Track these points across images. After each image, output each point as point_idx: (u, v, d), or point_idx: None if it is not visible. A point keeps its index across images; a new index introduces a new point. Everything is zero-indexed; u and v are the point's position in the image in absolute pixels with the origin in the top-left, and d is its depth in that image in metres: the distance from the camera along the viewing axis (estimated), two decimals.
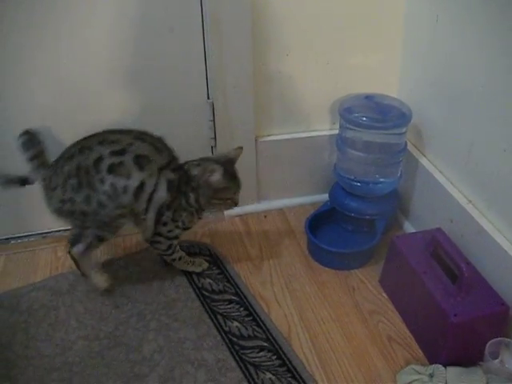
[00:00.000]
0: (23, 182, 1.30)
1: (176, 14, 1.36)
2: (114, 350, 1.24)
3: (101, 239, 1.32)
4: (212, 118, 1.52)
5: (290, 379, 1.16)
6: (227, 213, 1.68)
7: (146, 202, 1.25)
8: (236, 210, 1.68)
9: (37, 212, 1.55)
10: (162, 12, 1.35)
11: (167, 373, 1.18)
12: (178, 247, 1.39)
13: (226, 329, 1.28)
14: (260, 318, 1.31)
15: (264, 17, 1.40)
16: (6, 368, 1.19)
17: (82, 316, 1.33)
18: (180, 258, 1.40)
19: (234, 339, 1.26)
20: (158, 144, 1.28)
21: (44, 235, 1.59)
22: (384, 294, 1.39)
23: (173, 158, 1.30)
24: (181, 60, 1.43)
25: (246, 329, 1.28)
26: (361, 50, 1.53)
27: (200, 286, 1.41)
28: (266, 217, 1.69)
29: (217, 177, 1.27)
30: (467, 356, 1.16)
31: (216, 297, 1.38)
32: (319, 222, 1.56)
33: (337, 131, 1.54)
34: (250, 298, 1.37)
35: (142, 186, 1.23)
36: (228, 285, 1.41)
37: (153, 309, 1.34)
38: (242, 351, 1.23)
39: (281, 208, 1.72)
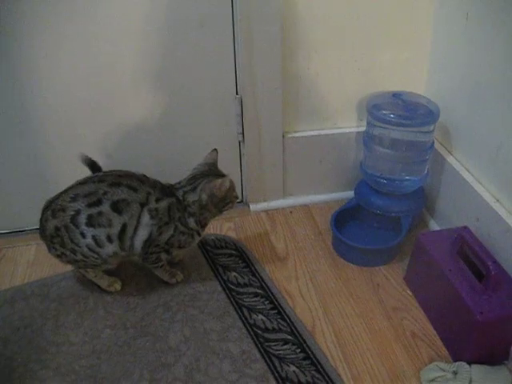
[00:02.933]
0: (96, 168, 1.36)
1: (207, 10, 1.37)
2: (141, 340, 1.26)
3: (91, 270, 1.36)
4: (240, 114, 1.53)
5: (313, 372, 1.17)
6: (253, 208, 1.69)
7: (129, 239, 1.26)
8: (262, 205, 1.70)
9: None
10: (192, 7, 1.36)
11: (192, 363, 1.20)
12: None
13: (251, 321, 1.30)
14: (285, 312, 1.32)
15: (294, 14, 1.41)
16: (37, 353, 1.23)
17: (109, 306, 1.35)
18: (161, 266, 1.38)
19: (259, 332, 1.27)
20: (134, 182, 1.26)
21: None
22: (408, 291, 1.39)
23: (154, 189, 1.28)
24: (210, 55, 1.44)
25: (271, 322, 1.30)
26: (389, 48, 1.53)
27: (226, 278, 1.43)
28: (291, 212, 1.70)
29: (227, 186, 1.28)
30: (492, 355, 1.16)
31: (241, 290, 1.39)
32: (344, 219, 1.56)
33: (363, 128, 1.55)
34: (275, 291, 1.38)
35: (124, 228, 1.24)
36: (253, 278, 1.43)
37: (179, 300, 1.36)
38: (266, 344, 1.24)
39: (306, 204, 1.73)
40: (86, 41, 1.36)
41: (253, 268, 1.47)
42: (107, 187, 1.23)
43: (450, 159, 1.47)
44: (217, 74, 1.48)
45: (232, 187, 1.32)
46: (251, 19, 1.37)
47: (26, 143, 1.47)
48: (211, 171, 1.33)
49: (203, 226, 1.34)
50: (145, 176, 1.30)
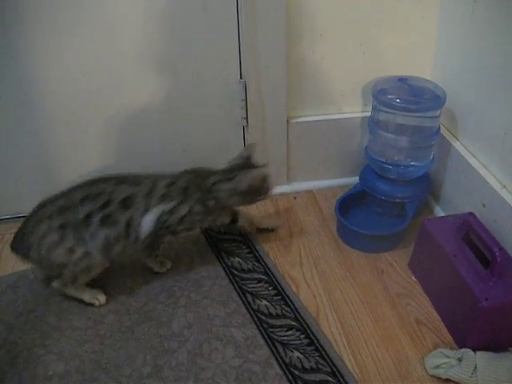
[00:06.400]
0: None
1: None
2: (144, 325, 1.26)
3: (74, 282, 1.29)
4: (244, 98, 1.52)
5: (317, 358, 1.17)
6: None
7: (134, 232, 1.26)
8: None
9: None
10: None
11: (196, 348, 1.20)
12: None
13: (255, 307, 1.30)
14: (289, 298, 1.32)
15: None
16: (40, 338, 1.23)
17: (113, 291, 1.35)
18: (156, 256, 1.39)
19: (263, 317, 1.27)
20: (138, 178, 1.28)
21: None
22: (413, 278, 1.38)
23: (166, 177, 1.30)
24: (214, 39, 1.42)
25: (275, 308, 1.29)
26: (395, 32, 1.51)
27: (229, 264, 1.42)
28: (295, 198, 1.69)
29: (263, 177, 1.33)
30: (497, 341, 1.15)
31: (245, 275, 1.39)
32: (349, 205, 1.55)
33: (369, 113, 1.53)
34: (279, 277, 1.38)
35: (129, 223, 1.24)
36: (257, 264, 1.42)
37: (182, 286, 1.36)
38: (270, 329, 1.24)
39: (311, 190, 1.72)
40: (87, 26, 1.34)
41: (257, 254, 1.46)
42: (113, 186, 1.25)
43: (456, 145, 1.46)
44: (220, 58, 1.46)
45: (267, 179, 1.34)
46: (255, 2, 1.35)
47: (28, 129, 1.46)
48: (247, 164, 1.35)
49: (224, 209, 1.37)
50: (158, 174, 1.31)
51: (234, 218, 1.43)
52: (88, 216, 1.21)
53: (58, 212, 1.22)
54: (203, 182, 1.31)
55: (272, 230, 1.55)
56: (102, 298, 1.33)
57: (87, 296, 1.33)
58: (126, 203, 1.23)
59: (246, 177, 1.31)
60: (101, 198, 1.23)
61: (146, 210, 1.25)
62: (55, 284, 1.31)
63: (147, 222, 1.26)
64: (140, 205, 1.25)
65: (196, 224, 1.33)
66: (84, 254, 1.22)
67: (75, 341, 1.23)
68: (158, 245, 1.35)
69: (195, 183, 1.30)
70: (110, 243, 1.24)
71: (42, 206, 1.26)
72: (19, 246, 1.26)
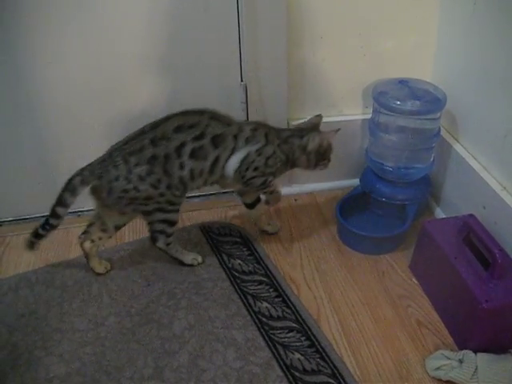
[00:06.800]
0: None
1: None
2: (145, 327, 1.26)
3: (170, 223, 1.33)
4: (245, 101, 1.52)
5: (318, 360, 1.17)
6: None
7: (220, 169, 1.31)
8: None
9: None
10: None
11: (197, 350, 1.20)
12: (273, 182, 1.41)
13: (256, 309, 1.30)
14: (289, 300, 1.32)
15: None
16: (42, 340, 1.23)
17: (114, 293, 1.35)
18: (273, 192, 1.43)
19: (264, 319, 1.27)
20: (227, 119, 1.33)
21: (78, 214, 1.62)
22: (414, 279, 1.38)
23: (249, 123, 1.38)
24: (215, 41, 1.43)
25: (276, 310, 1.29)
26: (396, 34, 1.51)
27: (230, 266, 1.43)
28: (296, 200, 1.69)
29: (332, 139, 1.39)
30: (498, 343, 1.15)
31: (246, 277, 1.39)
32: (350, 206, 1.55)
33: (369, 115, 1.53)
34: (280, 279, 1.38)
35: (216, 160, 1.29)
36: (258, 266, 1.43)
37: (183, 288, 1.36)
38: (271, 331, 1.24)
39: (311, 192, 1.73)
40: (88, 27, 1.35)
41: (257, 256, 1.46)
42: (208, 120, 1.28)
43: (457, 147, 1.46)
44: (221, 60, 1.47)
45: (332, 147, 1.40)
46: (256, 4, 1.35)
47: (29, 131, 1.47)
48: (315, 130, 1.41)
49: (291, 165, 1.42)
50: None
51: (256, 201, 1.50)
52: (181, 146, 1.25)
53: (149, 143, 1.25)
54: (279, 134, 1.37)
55: (272, 234, 1.56)
56: (199, 258, 1.43)
57: (187, 257, 1.42)
58: (217, 141, 1.28)
59: (317, 137, 1.37)
60: (196, 130, 1.26)
61: (233, 151, 1.30)
62: (159, 244, 1.36)
63: (234, 162, 1.31)
64: (229, 145, 1.29)
65: (274, 170, 1.37)
66: (168, 186, 1.27)
67: (76, 343, 1.23)
68: (259, 186, 1.39)
69: (273, 133, 1.36)
70: (193, 177, 1.28)
71: (126, 142, 1.28)
72: (98, 182, 1.26)
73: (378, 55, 1.54)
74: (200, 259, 1.43)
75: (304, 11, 1.42)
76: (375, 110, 1.48)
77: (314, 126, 1.41)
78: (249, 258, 1.46)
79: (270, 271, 1.41)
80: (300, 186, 1.73)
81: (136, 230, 1.56)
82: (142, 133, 1.27)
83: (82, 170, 1.27)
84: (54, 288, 1.37)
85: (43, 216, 1.32)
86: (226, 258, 1.46)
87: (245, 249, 1.49)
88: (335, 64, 1.53)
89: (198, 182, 1.31)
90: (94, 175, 1.25)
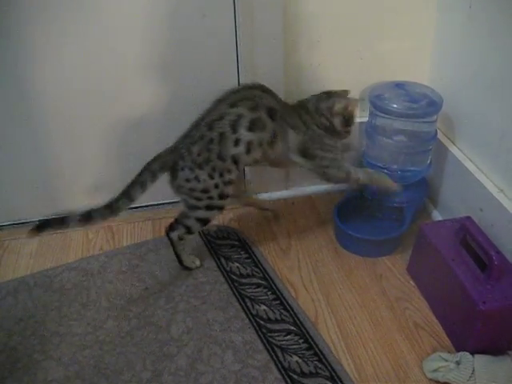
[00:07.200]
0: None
1: (208, 0, 1.36)
2: (143, 330, 1.26)
3: (205, 222, 1.36)
4: None
5: (316, 363, 1.17)
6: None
7: (284, 144, 1.34)
8: (264, 196, 1.70)
9: (70, 195, 1.59)
10: None
11: (195, 353, 1.20)
12: (352, 167, 1.42)
13: (254, 312, 1.30)
14: (287, 302, 1.32)
15: (296, 2, 1.40)
16: (40, 344, 1.23)
17: (112, 296, 1.36)
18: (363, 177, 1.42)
19: (262, 322, 1.27)
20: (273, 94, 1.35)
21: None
22: (411, 282, 1.39)
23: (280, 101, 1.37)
24: (212, 46, 1.44)
25: (274, 312, 1.30)
26: (392, 37, 1.52)
27: (228, 269, 1.43)
28: (293, 203, 1.70)
29: (357, 106, 1.39)
30: (495, 344, 1.16)
31: (244, 280, 1.39)
32: (347, 209, 1.56)
33: (366, 119, 1.54)
34: (278, 282, 1.38)
35: (274, 135, 1.31)
36: (256, 269, 1.43)
37: (181, 291, 1.36)
38: (269, 334, 1.24)
39: (309, 195, 1.73)
40: (87, 33, 1.36)
41: (255, 259, 1.46)
42: (260, 92, 1.31)
43: (453, 149, 1.47)
44: (219, 64, 1.47)
45: (355, 116, 1.39)
46: (253, 8, 1.36)
47: (27, 135, 1.47)
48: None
49: (334, 130, 1.40)
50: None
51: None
52: (237, 119, 1.26)
53: (207, 129, 1.28)
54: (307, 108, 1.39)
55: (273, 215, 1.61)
56: (197, 262, 1.44)
57: (187, 259, 1.43)
58: (271, 114, 1.30)
59: (343, 100, 1.37)
60: (250, 101, 1.28)
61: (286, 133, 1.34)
62: (174, 234, 1.38)
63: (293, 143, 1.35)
64: (283, 121, 1.32)
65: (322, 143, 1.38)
66: (221, 174, 1.30)
67: (75, 346, 1.23)
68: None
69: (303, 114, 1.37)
70: (250, 150, 1.29)
71: (190, 130, 1.32)
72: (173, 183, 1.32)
73: (375, 59, 1.54)
74: (198, 263, 1.43)
75: (300, 15, 1.42)
76: (372, 113, 1.48)
77: (341, 93, 1.42)
78: (247, 260, 1.46)
79: (268, 274, 1.41)
80: (297, 189, 1.73)
81: (134, 233, 1.57)
82: (200, 119, 1.30)
83: (157, 157, 1.31)
84: (52, 292, 1.37)
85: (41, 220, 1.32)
86: (223, 261, 1.46)
87: (242, 252, 1.49)
88: (332, 68, 1.53)
89: (254, 154, 1.31)
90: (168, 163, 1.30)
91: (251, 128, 1.27)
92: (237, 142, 1.27)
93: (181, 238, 1.38)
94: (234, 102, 1.28)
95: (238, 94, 1.31)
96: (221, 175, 1.29)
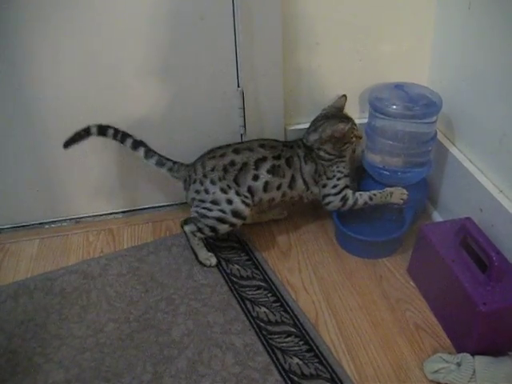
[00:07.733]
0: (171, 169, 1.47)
1: (207, 2, 1.36)
2: (144, 333, 1.26)
3: (214, 230, 1.40)
4: (242, 106, 1.53)
5: (317, 364, 1.17)
6: None
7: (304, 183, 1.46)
8: None
9: (70, 198, 1.59)
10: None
11: (196, 355, 1.20)
12: (356, 193, 1.47)
13: (254, 314, 1.30)
14: (288, 304, 1.32)
15: (294, 5, 1.40)
16: (41, 346, 1.23)
17: (112, 299, 1.36)
18: (371, 199, 1.47)
19: (262, 324, 1.27)
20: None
21: (77, 220, 1.63)
22: (412, 283, 1.38)
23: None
24: (211, 48, 1.43)
25: (274, 314, 1.30)
26: (391, 38, 1.52)
27: (228, 271, 1.43)
28: (293, 205, 1.69)
29: (344, 130, 1.40)
30: (496, 345, 1.15)
31: (244, 283, 1.39)
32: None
33: (366, 120, 1.54)
34: (278, 284, 1.38)
35: (293, 179, 1.43)
36: (256, 271, 1.43)
37: (182, 293, 1.36)
38: (269, 336, 1.24)
39: None
40: (87, 33, 1.36)
41: (255, 261, 1.46)
42: (283, 146, 1.45)
43: (453, 150, 1.47)
44: (218, 66, 1.47)
45: (351, 130, 1.42)
46: (251, 11, 1.36)
47: (27, 138, 1.47)
48: (336, 115, 1.47)
49: (340, 154, 1.47)
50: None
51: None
52: (262, 159, 1.40)
53: (232, 151, 1.41)
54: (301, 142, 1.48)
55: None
56: (213, 261, 1.45)
57: (202, 254, 1.46)
58: (289, 162, 1.43)
59: (328, 128, 1.41)
60: (275, 150, 1.43)
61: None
62: (187, 228, 1.43)
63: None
64: (297, 166, 1.44)
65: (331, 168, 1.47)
66: (237, 193, 1.38)
67: (75, 349, 1.23)
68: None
69: (294, 153, 1.46)
70: (267, 189, 1.40)
71: (211, 150, 1.45)
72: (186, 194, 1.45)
73: (374, 60, 1.54)
74: (214, 262, 1.45)
75: (299, 17, 1.43)
76: (371, 114, 1.48)
77: (336, 111, 1.48)
78: (247, 263, 1.46)
79: (268, 276, 1.41)
80: None
81: (134, 236, 1.57)
82: (228, 145, 1.44)
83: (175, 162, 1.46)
84: (52, 295, 1.37)
85: (41, 223, 1.32)
86: (224, 263, 1.46)
87: (243, 254, 1.49)
88: (331, 69, 1.54)
89: (271, 194, 1.42)
90: (181, 174, 1.45)
91: (271, 171, 1.39)
92: (256, 178, 1.38)
93: (194, 234, 1.42)
94: (262, 144, 1.43)
95: (266, 140, 1.46)
96: (237, 194, 1.37)
